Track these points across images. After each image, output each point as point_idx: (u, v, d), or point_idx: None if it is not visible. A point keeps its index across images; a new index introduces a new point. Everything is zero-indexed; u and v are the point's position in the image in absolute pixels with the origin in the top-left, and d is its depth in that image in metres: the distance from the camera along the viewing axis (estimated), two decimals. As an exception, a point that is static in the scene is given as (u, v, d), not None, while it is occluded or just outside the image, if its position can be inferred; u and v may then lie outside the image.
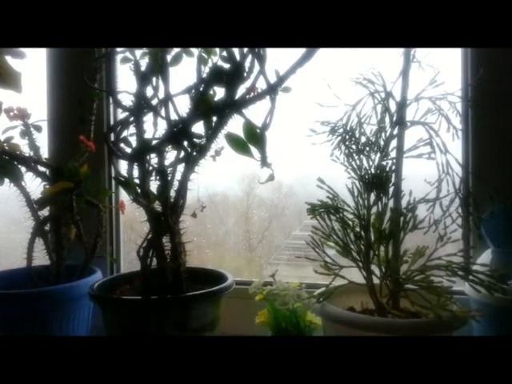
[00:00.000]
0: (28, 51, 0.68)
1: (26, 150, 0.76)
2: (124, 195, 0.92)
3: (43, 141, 0.86)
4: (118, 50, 0.67)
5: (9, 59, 0.73)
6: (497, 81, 0.78)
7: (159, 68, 0.61)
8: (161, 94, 0.67)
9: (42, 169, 0.76)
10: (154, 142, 0.63)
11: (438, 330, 0.56)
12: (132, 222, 1.02)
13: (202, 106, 0.60)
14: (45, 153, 0.82)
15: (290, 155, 0.97)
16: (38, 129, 0.77)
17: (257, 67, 0.61)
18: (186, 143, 0.62)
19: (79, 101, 0.81)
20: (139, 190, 0.61)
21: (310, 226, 0.69)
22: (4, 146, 0.72)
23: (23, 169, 0.75)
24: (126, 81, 0.70)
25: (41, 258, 0.80)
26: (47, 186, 0.74)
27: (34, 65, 0.96)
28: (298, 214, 1.17)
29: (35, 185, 0.77)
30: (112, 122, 0.94)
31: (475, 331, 0.70)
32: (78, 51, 0.89)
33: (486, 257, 0.71)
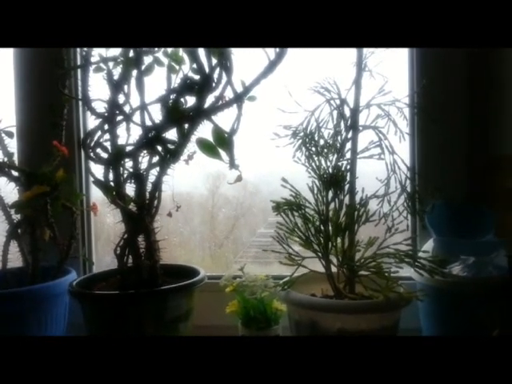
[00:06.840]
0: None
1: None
2: (96, 198, 0.94)
3: (12, 146, 0.86)
4: (92, 59, 0.70)
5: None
6: (438, 89, 0.87)
7: (135, 79, 0.66)
8: (133, 102, 0.71)
9: (15, 174, 0.77)
10: (130, 148, 0.67)
11: (386, 309, 0.64)
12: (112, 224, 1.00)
13: (175, 114, 0.64)
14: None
15: (256, 156, 1.01)
16: (10, 135, 0.78)
17: (224, 78, 0.66)
18: (160, 148, 0.66)
19: (50, 106, 0.83)
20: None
21: (274, 224, 0.74)
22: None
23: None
24: (97, 87, 0.72)
25: (15, 260, 0.81)
26: (21, 191, 0.75)
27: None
28: (262, 211, 1.17)
29: (9, 189, 0.78)
30: (82, 127, 0.97)
31: (420, 310, 0.79)
32: (47, 57, 0.90)
33: (429, 245, 0.80)
